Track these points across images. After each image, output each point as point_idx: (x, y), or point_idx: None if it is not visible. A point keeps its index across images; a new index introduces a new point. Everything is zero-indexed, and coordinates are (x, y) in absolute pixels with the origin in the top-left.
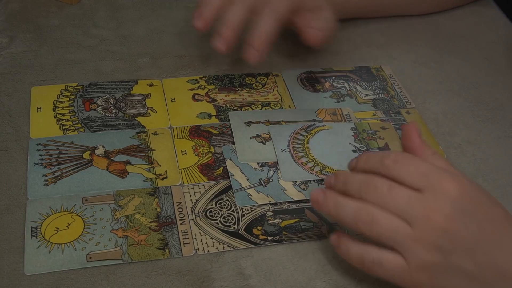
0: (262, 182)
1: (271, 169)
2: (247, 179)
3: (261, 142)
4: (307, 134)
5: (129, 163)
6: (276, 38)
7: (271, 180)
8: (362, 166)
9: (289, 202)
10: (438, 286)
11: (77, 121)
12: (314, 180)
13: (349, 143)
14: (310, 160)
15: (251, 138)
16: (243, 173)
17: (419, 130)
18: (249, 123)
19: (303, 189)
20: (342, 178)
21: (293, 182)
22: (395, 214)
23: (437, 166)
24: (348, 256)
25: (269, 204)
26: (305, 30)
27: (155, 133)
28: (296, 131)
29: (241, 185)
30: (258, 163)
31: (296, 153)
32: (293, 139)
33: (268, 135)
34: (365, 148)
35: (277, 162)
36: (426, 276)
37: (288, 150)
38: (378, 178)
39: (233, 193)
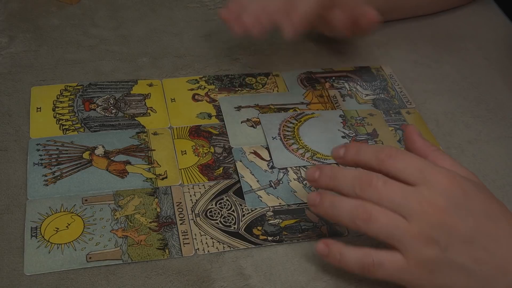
0: (272, 184)
1: (281, 171)
2: (257, 181)
3: (252, 126)
4: (296, 122)
5: (129, 163)
6: (312, 26)
7: (281, 182)
8: (352, 157)
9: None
10: (437, 284)
11: (77, 121)
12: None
13: (338, 130)
14: (301, 146)
15: (241, 122)
16: (253, 174)
17: (419, 131)
18: (239, 108)
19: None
20: (328, 172)
21: (303, 184)
22: (391, 209)
23: (430, 162)
24: (344, 263)
25: None
26: (358, 12)
27: (155, 133)
28: (286, 119)
29: (251, 187)
30: (267, 165)
31: (286, 140)
32: (283, 127)
33: (258, 119)
34: (353, 134)
35: (269, 150)
36: (425, 273)
37: (279, 137)
38: (373, 174)
39: (236, 194)
